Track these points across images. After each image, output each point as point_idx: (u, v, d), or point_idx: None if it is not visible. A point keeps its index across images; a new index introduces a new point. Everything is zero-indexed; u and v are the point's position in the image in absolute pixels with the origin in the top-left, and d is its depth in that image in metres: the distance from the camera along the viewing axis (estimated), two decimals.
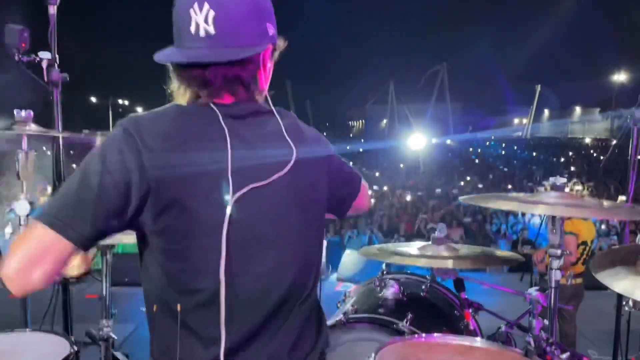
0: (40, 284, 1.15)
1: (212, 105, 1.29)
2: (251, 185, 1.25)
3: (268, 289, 1.29)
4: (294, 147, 1.33)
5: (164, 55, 1.29)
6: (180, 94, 1.31)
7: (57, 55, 3.33)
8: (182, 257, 1.23)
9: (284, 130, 1.35)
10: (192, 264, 1.23)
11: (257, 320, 1.28)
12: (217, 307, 1.23)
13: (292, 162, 1.31)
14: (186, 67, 1.28)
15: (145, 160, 1.18)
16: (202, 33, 1.24)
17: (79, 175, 1.19)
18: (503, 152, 39.15)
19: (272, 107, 1.38)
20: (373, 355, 1.97)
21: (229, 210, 1.21)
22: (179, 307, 1.25)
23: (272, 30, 1.33)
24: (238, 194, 1.23)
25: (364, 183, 1.66)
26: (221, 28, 1.24)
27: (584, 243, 4.51)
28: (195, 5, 1.24)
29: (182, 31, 1.27)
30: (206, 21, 1.24)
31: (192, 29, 1.24)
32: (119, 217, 1.19)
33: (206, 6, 1.23)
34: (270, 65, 1.38)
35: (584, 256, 4.54)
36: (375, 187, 18.00)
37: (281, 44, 1.39)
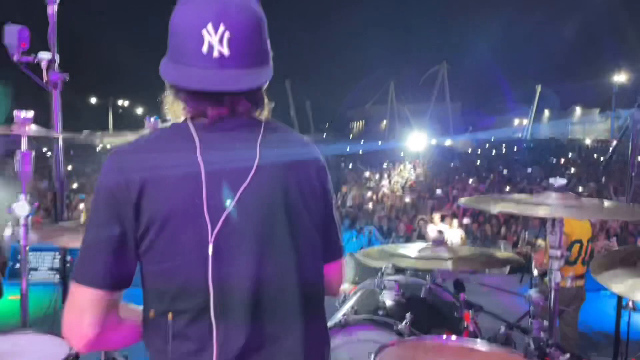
0: (94, 333, 1.22)
1: (189, 124, 1.27)
2: (226, 212, 1.23)
3: (252, 299, 1.26)
4: (257, 157, 1.27)
5: (174, 76, 1.26)
6: (175, 107, 1.30)
7: (57, 55, 3.33)
8: (164, 278, 1.24)
9: (258, 142, 1.30)
10: (175, 284, 1.23)
11: (245, 334, 1.26)
12: (205, 321, 1.23)
13: (252, 172, 1.26)
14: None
15: (127, 183, 1.21)
16: (215, 54, 1.21)
17: (88, 222, 1.27)
18: (504, 152, 39.20)
19: (261, 120, 1.35)
20: (373, 356, 1.96)
21: (211, 247, 1.21)
22: (170, 316, 1.24)
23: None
24: (217, 229, 1.22)
25: (343, 260, 1.57)
26: (236, 49, 1.22)
27: (579, 241, 4.48)
28: (210, 26, 1.20)
29: (190, 50, 1.23)
30: (221, 42, 1.21)
31: (205, 49, 1.21)
32: (126, 247, 1.23)
33: (222, 27, 1.20)
34: None
35: (582, 256, 4.52)
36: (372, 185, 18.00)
37: None
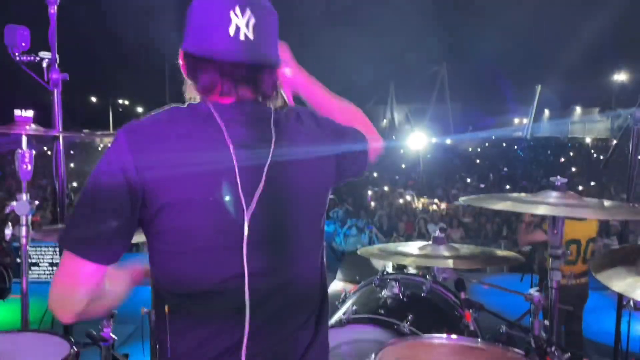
0: (83, 306, 1.21)
1: (209, 105, 1.26)
2: (259, 192, 1.23)
3: (276, 287, 1.27)
4: (272, 145, 1.28)
5: (198, 49, 1.26)
6: (193, 92, 1.31)
7: (57, 55, 3.33)
8: (183, 260, 1.21)
9: (272, 124, 1.31)
10: (194, 267, 1.21)
11: (273, 330, 1.27)
12: (230, 305, 1.22)
13: (268, 161, 1.26)
14: (216, 62, 1.25)
15: (139, 162, 1.17)
16: (242, 36, 1.24)
17: (84, 190, 1.21)
18: (504, 152, 39.16)
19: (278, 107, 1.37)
20: (373, 355, 1.96)
21: (247, 217, 1.21)
22: (168, 308, 1.24)
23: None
24: (253, 205, 1.21)
25: (371, 144, 1.55)
26: (259, 36, 1.26)
27: (575, 242, 4.46)
28: (237, 9, 1.23)
29: (215, 31, 1.23)
30: (247, 26, 1.24)
31: (232, 30, 1.23)
32: (125, 224, 1.20)
33: (248, 12, 1.24)
34: None
35: (582, 255, 4.50)
36: (375, 188, 17.97)
37: None
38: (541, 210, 2.17)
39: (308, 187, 1.33)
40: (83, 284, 1.20)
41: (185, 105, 1.30)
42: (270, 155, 1.26)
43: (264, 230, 1.24)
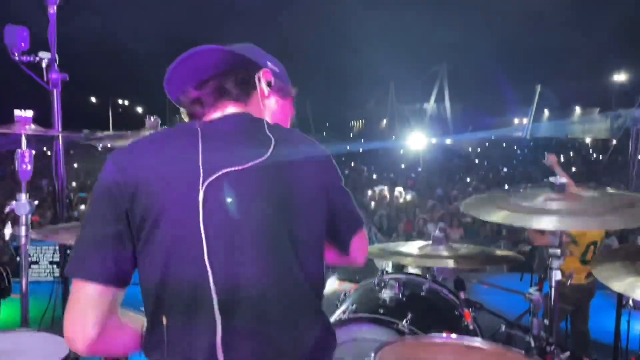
0: (96, 333, 1.21)
1: (197, 124, 1.33)
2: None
3: (254, 297, 1.25)
4: (268, 154, 1.29)
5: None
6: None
7: (56, 55, 3.33)
8: (161, 276, 1.23)
9: (270, 143, 1.32)
10: (171, 282, 1.23)
11: (249, 335, 1.25)
12: (208, 323, 1.22)
13: (255, 169, 1.27)
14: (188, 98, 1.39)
15: (123, 181, 1.24)
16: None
17: (85, 215, 1.30)
18: (503, 152, 39.21)
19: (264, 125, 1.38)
20: (373, 355, 1.96)
21: (201, 211, 1.22)
22: (164, 319, 1.24)
23: (271, 65, 1.47)
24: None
25: (364, 230, 1.56)
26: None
27: (594, 243, 4.46)
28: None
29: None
30: None
31: None
32: (124, 244, 1.24)
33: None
34: (271, 96, 1.47)
35: (596, 254, 4.51)
36: (375, 188, 17.97)
37: (291, 90, 1.53)
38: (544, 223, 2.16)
39: (292, 208, 1.31)
40: (89, 307, 1.21)
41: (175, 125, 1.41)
42: (249, 164, 1.27)
43: (225, 242, 1.23)
